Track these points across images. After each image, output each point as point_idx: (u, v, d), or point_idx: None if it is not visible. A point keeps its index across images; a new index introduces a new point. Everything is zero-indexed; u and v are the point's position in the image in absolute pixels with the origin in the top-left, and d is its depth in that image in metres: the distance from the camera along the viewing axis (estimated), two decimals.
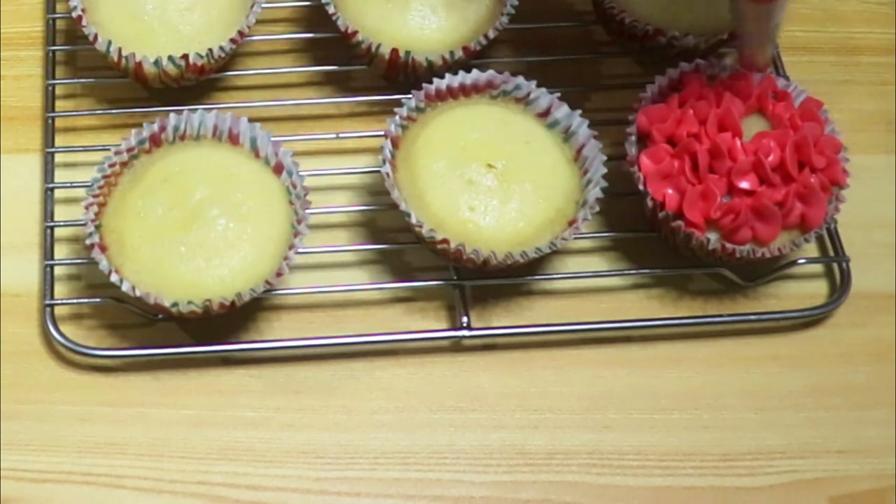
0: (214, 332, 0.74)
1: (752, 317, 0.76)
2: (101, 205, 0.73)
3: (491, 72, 0.78)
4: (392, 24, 0.80)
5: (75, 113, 0.81)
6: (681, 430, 0.73)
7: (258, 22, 0.80)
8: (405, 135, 0.76)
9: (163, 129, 0.75)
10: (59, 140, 0.80)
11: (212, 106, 0.77)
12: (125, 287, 0.70)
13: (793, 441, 0.73)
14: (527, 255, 0.72)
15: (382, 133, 0.75)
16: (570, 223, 0.74)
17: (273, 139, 0.75)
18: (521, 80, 0.77)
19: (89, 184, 0.73)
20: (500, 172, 0.74)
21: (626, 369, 0.75)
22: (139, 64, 0.78)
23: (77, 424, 0.72)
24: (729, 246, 0.73)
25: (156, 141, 0.75)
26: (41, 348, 0.74)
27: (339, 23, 0.80)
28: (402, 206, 0.73)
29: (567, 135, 0.77)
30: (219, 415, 0.72)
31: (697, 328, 0.76)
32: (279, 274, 0.71)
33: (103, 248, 0.71)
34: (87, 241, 0.71)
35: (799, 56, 0.87)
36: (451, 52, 0.79)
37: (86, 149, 0.79)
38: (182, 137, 0.76)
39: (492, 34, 0.80)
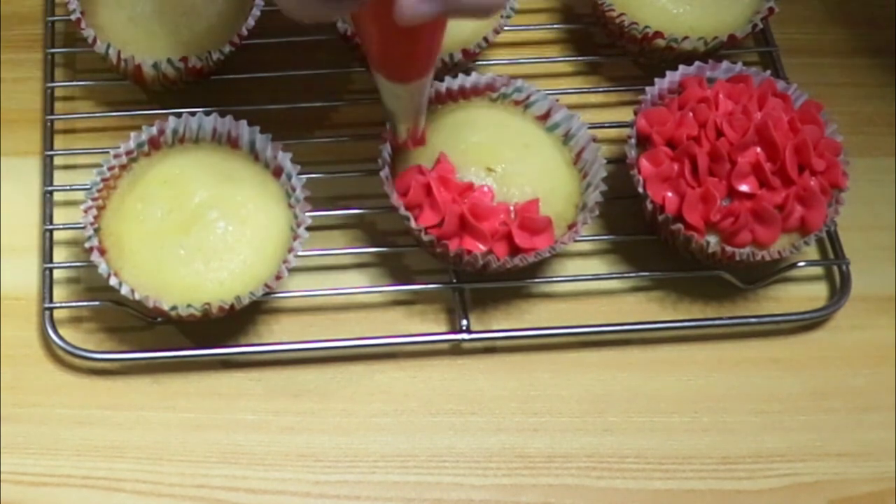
0: (213, 336, 0.74)
1: (752, 319, 0.76)
2: (101, 208, 0.73)
3: (490, 74, 0.78)
4: None
5: (74, 116, 0.82)
6: (680, 433, 0.73)
7: (256, 24, 0.80)
8: None
9: (162, 132, 0.75)
10: (59, 143, 0.80)
11: (211, 109, 0.77)
12: (124, 290, 0.70)
13: (792, 444, 0.73)
14: (526, 259, 0.72)
15: (382, 136, 0.75)
16: (570, 227, 0.74)
17: (272, 142, 0.75)
18: (520, 82, 0.77)
19: (88, 187, 0.73)
20: (499, 176, 0.73)
21: (625, 372, 0.75)
22: (138, 66, 0.78)
23: (76, 428, 0.72)
24: (729, 249, 0.73)
25: (155, 144, 0.75)
26: (40, 351, 0.74)
27: (339, 25, 0.80)
28: (402, 210, 0.73)
29: (567, 138, 0.77)
30: (218, 418, 0.72)
31: (697, 331, 0.76)
32: (278, 277, 0.71)
33: (102, 251, 0.71)
34: (87, 245, 0.71)
35: (799, 58, 0.87)
36: (451, 55, 0.79)
37: (85, 151, 0.79)
38: (181, 140, 0.76)
39: (491, 37, 0.80)
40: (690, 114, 0.75)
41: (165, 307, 0.69)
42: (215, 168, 0.74)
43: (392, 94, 0.67)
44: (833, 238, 0.79)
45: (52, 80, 0.82)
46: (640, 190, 0.75)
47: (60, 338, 0.73)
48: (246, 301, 0.70)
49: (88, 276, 0.75)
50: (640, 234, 0.78)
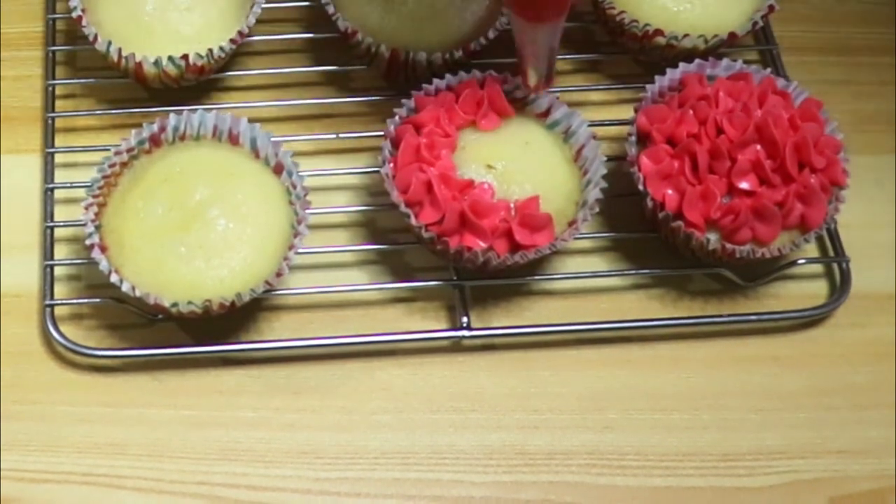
0: (214, 333, 0.74)
1: (752, 317, 0.76)
2: (101, 205, 0.73)
3: (491, 72, 0.78)
4: (392, 24, 0.80)
5: (75, 113, 0.82)
6: (681, 430, 0.73)
7: (258, 22, 0.80)
8: None
9: (163, 129, 0.75)
10: (59, 140, 0.80)
11: (212, 106, 0.77)
12: (125, 287, 0.70)
13: (793, 441, 0.73)
14: (526, 256, 0.72)
15: (382, 133, 0.75)
16: (570, 224, 0.74)
17: (273, 139, 0.75)
18: (520, 80, 0.77)
19: (89, 184, 0.73)
20: (499, 173, 0.73)
21: (625, 369, 0.75)
22: (139, 64, 0.78)
23: (77, 425, 0.72)
24: (729, 246, 0.73)
25: (156, 141, 0.75)
26: (41, 349, 0.74)
27: (339, 23, 0.80)
28: (402, 207, 0.73)
29: (567, 135, 0.77)
30: (219, 415, 0.72)
31: (697, 328, 0.76)
32: (279, 274, 0.71)
33: (103, 249, 0.71)
34: (87, 242, 0.71)
35: (799, 56, 0.87)
36: (451, 52, 0.79)
37: (86, 149, 0.79)
38: (182, 138, 0.76)
39: (492, 34, 0.80)
40: (691, 111, 0.75)
41: (166, 304, 0.69)
42: (216, 165, 0.74)
43: (528, 37, 0.68)
44: (833, 235, 0.79)
45: (53, 78, 0.82)
46: (641, 187, 0.75)
47: (61, 335, 0.73)
48: (246, 298, 0.70)
49: (89, 274, 0.75)
50: (641, 232, 0.78)
